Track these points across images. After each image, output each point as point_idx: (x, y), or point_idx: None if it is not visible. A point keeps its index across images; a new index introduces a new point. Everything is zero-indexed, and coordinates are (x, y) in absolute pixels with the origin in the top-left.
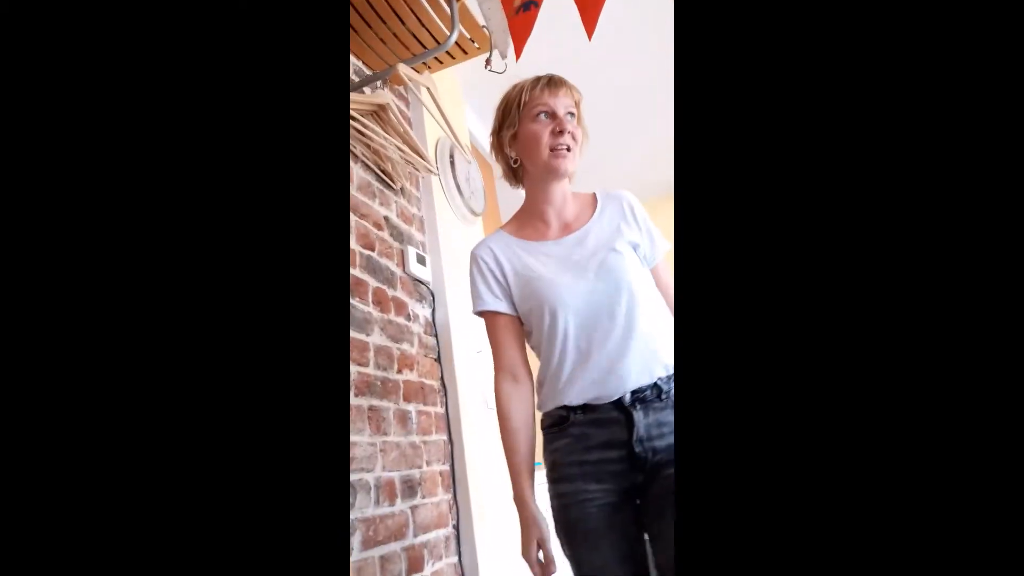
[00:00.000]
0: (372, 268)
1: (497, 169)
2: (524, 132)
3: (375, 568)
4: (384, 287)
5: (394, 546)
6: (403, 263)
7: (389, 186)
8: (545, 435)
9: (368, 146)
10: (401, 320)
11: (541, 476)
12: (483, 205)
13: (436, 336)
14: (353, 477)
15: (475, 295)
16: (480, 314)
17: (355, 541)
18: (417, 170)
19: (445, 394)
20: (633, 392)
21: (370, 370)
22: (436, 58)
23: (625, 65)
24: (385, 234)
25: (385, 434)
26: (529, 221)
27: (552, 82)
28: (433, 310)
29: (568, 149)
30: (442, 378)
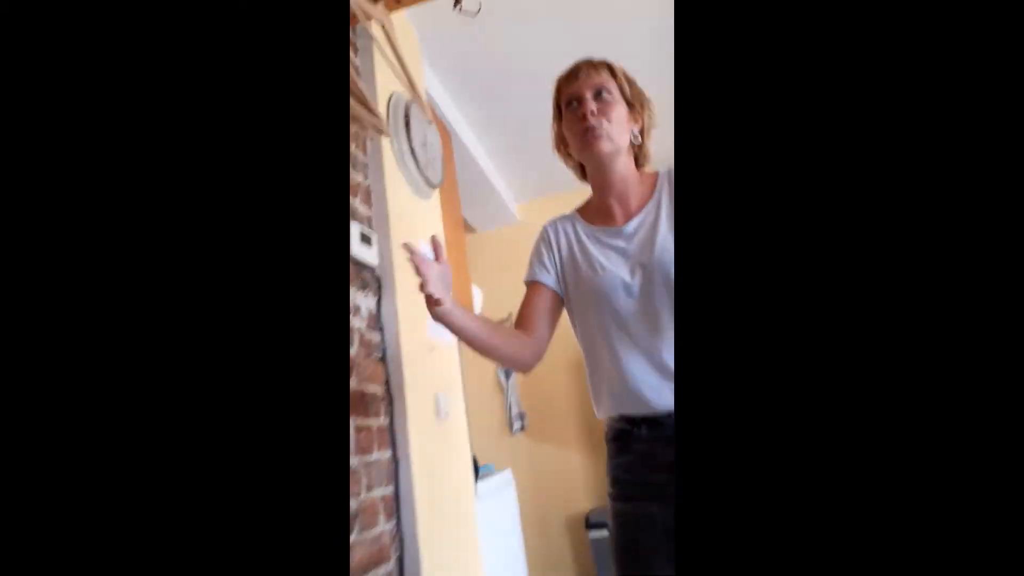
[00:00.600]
0: None
1: (458, 136)
2: (564, 128)
3: None
4: None
5: None
6: None
7: None
8: (608, 447)
9: None
10: None
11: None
12: (440, 176)
13: (382, 332)
14: None
15: (529, 264)
16: (527, 284)
17: None
18: (364, 129)
19: (391, 403)
20: None
21: None
22: None
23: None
24: None
25: None
26: (597, 207)
27: (572, 70)
28: (379, 300)
29: (597, 129)
30: (387, 383)
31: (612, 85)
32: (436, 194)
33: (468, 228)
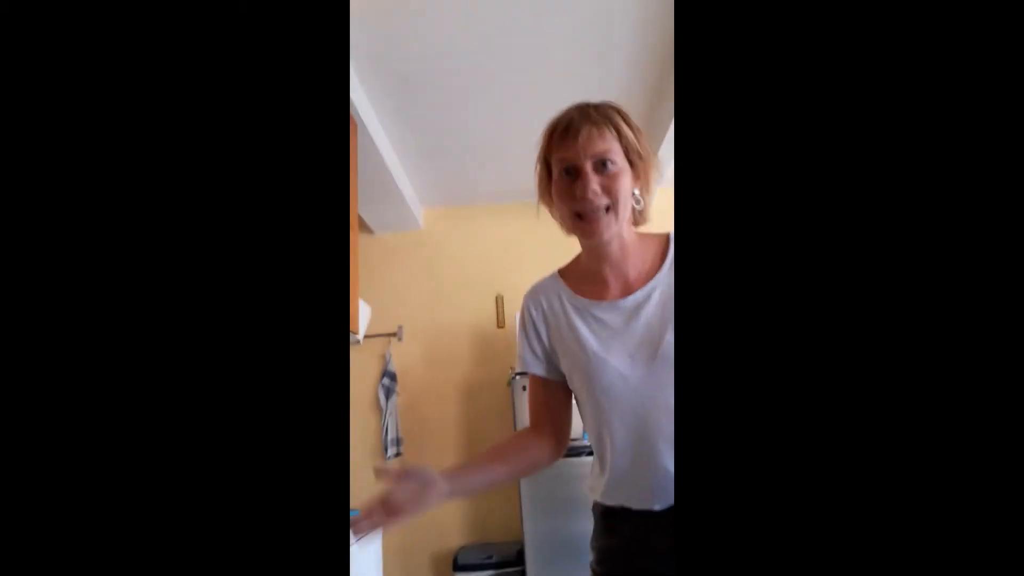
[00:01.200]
0: None
1: (366, 127)
2: (554, 189)
3: None
4: None
5: None
6: None
7: None
8: (596, 521)
9: None
10: None
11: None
12: None
13: None
14: None
15: (518, 352)
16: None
17: None
18: None
19: None
20: None
21: None
22: None
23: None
24: None
25: None
26: (587, 274)
27: (567, 126)
28: None
29: (599, 212)
30: None
31: (616, 149)
32: None
33: (365, 228)
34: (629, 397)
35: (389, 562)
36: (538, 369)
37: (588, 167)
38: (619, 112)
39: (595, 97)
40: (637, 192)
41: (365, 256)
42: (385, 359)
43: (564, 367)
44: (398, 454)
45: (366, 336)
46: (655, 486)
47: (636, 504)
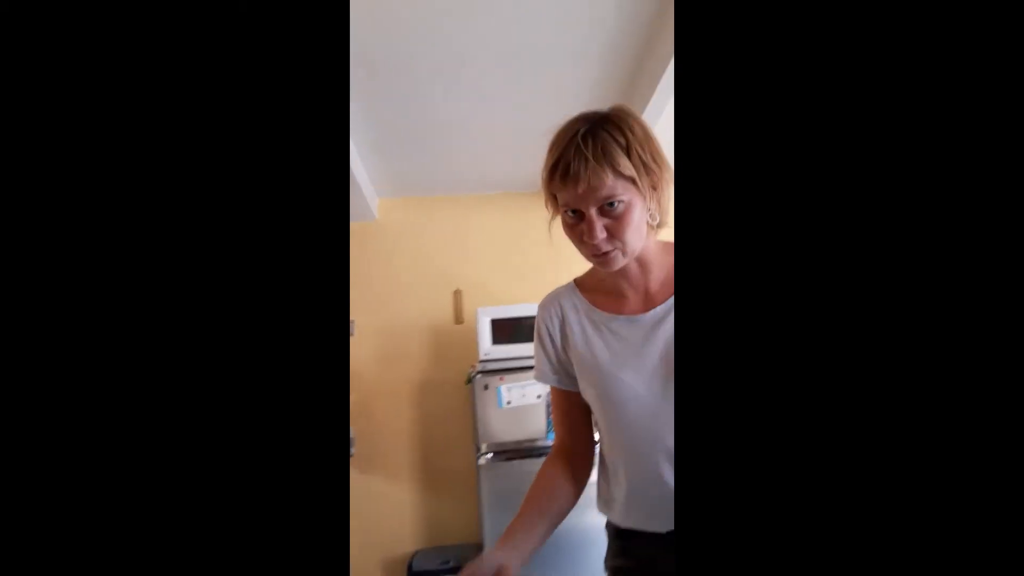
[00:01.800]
0: None
1: None
2: (561, 222)
3: None
4: None
5: None
6: None
7: None
8: (609, 539)
9: None
10: None
11: None
12: None
13: None
14: None
15: (535, 361)
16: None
17: None
18: None
19: None
20: None
21: None
22: None
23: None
24: None
25: None
26: (604, 287)
27: (564, 168)
28: None
29: (610, 254)
30: None
31: (620, 185)
32: None
33: None
34: (642, 416)
35: None
36: (552, 380)
37: (593, 212)
38: (620, 128)
39: (566, 93)
40: (654, 209)
41: None
42: None
43: (578, 380)
44: (349, 454)
45: None
46: (665, 507)
47: (645, 525)
